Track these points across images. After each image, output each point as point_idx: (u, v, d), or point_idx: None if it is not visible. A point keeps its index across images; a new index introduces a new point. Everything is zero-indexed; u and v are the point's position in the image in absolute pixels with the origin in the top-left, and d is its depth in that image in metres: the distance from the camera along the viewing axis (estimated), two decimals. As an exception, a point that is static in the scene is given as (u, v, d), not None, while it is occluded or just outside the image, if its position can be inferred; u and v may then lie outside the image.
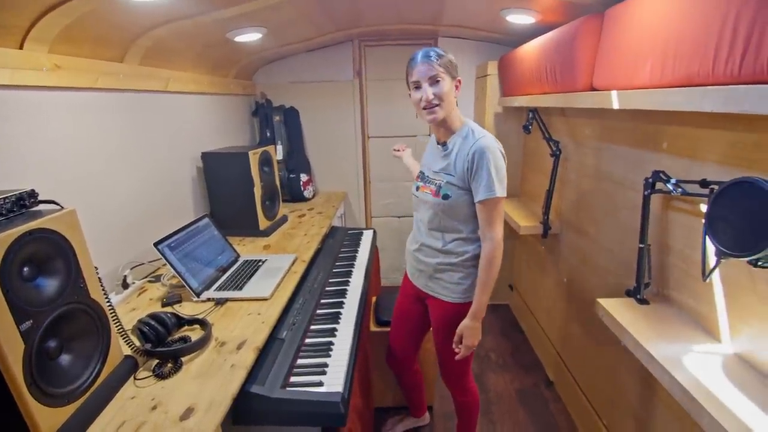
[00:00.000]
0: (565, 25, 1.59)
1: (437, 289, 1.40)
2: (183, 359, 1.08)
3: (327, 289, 1.63)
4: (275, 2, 1.64)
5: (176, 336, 1.20)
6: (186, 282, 1.40)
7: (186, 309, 1.36)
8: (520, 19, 1.95)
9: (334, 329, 1.34)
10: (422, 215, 1.39)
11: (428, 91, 1.23)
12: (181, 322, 1.24)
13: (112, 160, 1.53)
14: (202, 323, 1.24)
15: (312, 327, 1.36)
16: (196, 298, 1.40)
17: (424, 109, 1.26)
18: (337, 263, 1.88)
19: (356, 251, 2.01)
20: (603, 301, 1.32)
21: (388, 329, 1.89)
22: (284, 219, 2.31)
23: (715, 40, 0.91)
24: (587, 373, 1.87)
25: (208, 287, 1.46)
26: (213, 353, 1.11)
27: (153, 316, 1.17)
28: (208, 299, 1.40)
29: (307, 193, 2.83)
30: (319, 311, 1.46)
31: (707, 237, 0.90)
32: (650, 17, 1.15)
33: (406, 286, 1.58)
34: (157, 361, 1.07)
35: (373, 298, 2.11)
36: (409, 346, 1.65)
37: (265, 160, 2.11)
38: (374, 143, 3.09)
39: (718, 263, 0.90)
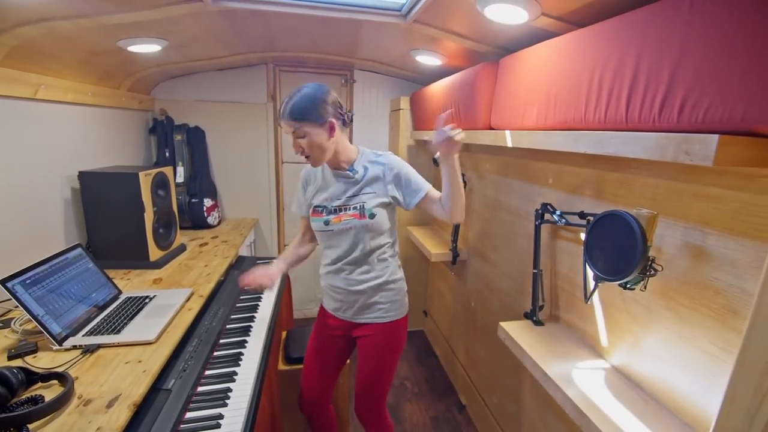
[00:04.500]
0: (468, 69, 1.74)
1: (371, 314, 1.39)
2: (30, 426, 0.86)
3: (228, 326, 1.47)
4: (175, 15, 1.53)
5: (24, 396, 0.96)
6: (44, 327, 1.15)
7: (42, 361, 1.11)
8: (428, 60, 2.09)
9: (234, 373, 1.20)
10: (342, 247, 1.35)
11: (297, 145, 1.26)
12: (31, 378, 1.00)
13: (-52, 177, 1.23)
14: (62, 378, 1.01)
15: (207, 372, 1.20)
16: (57, 347, 1.15)
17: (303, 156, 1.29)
18: (242, 296, 1.72)
19: (265, 282, 1.87)
20: (504, 324, 1.40)
21: (299, 367, 1.76)
22: (182, 248, 2.07)
23: (585, 91, 1.06)
24: (495, 395, 1.95)
25: (75, 332, 1.22)
26: (73, 415, 0.91)
27: (-10, 373, 0.92)
28: (74, 347, 1.16)
29: (211, 220, 2.61)
30: (217, 353, 1.30)
31: (586, 263, 1.00)
32: (535, 69, 1.31)
33: (324, 320, 1.50)
34: (-9, 433, 0.84)
35: (283, 333, 1.97)
36: (326, 384, 1.55)
37: (161, 182, 1.90)
38: (288, 168, 3.00)
39: (596, 287, 1.00)
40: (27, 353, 1.14)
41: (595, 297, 1.22)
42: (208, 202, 2.59)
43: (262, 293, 1.77)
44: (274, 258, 2.20)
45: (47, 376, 1.02)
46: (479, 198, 2.10)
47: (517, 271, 1.71)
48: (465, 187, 2.15)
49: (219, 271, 1.81)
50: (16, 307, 1.36)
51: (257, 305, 1.65)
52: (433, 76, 2.51)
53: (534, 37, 1.40)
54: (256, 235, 2.97)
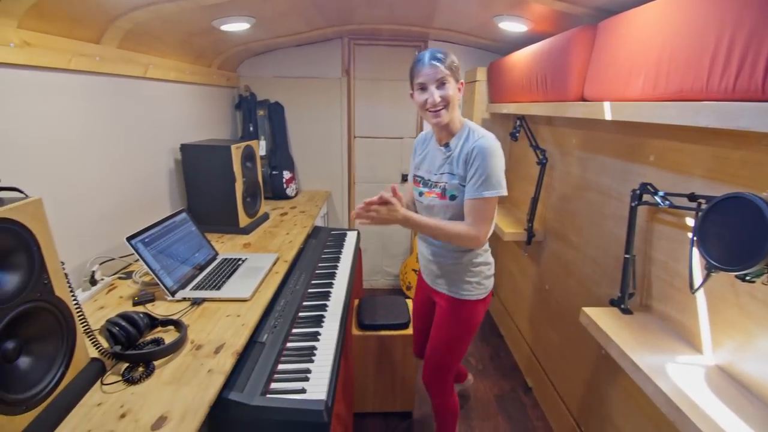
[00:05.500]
0: (558, 35, 1.60)
1: (445, 286, 1.45)
2: (155, 363, 1.01)
3: (309, 291, 1.58)
4: (267, -8, 1.59)
5: (148, 338, 1.12)
6: (160, 280, 1.32)
7: (159, 309, 1.28)
8: (513, 26, 1.96)
9: (317, 333, 1.29)
10: None
11: (435, 95, 1.23)
12: (154, 322, 1.17)
13: (84, 147, 1.43)
14: (177, 324, 1.17)
15: (294, 330, 1.30)
16: (170, 298, 1.32)
17: (429, 111, 1.26)
18: (320, 264, 1.83)
19: (340, 252, 1.96)
20: (588, 310, 1.33)
21: (371, 333, 1.85)
22: (266, 217, 2.23)
23: (709, 56, 0.93)
24: (566, 380, 1.89)
25: (183, 286, 1.39)
26: (188, 357, 1.05)
27: (123, 315, 1.09)
28: (184, 299, 1.33)
29: (289, 191, 2.76)
30: (301, 314, 1.41)
31: (697, 250, 0.91)
32: (644, 31, 1.17)
33: (420, 283, 1.66)
34: (127, 364, 1.00)
35: (356, 301, 2.07)
36: (426, 335, 1.66)
37: (248, 155, 2.04)
38: (360, 143, 3.05)
39: (708, 277, 0.91)
40: (147, 301, 1.32)
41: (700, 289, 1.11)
42: (286, 175, 2.74)
43: (338, 262, 1.86)
44: (347, 230, 2.29)
45: (165, 322, 1.19)
46: (561, 176, 1.97)
47: (603, 255, 1.60)
48: (546, 164, 2.04)
49: (299, 240, 1.92)
50: (136, 261, 1.58)
51: (334, 273, 1.74)
52: (514, 44, 2.36)
53: (643, -6, 1.25)
54: (328, 207, 3.10)
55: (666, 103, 1.04)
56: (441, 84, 1.22)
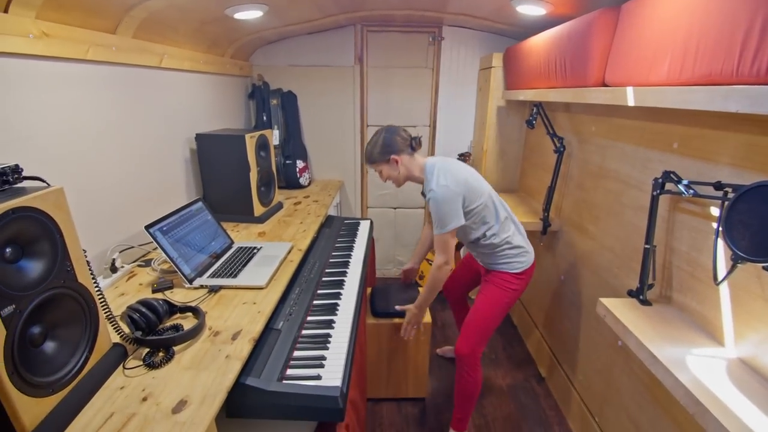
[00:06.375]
0: (579, 17, 1.55)
1: (494, 264, 1.71)
2: (175, 348, 1.04)
3: (324, 279, 1.59)
4: (279, -22, 1.57)
5: (167, 324, 1.15)
6: (178, 268, 1.35)
7: (177, 296, 1.31)
8: (531, 9, 1.90)
9: (332, 321, 1.30)
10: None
11: (381, 179, 1.72)
12: (172, 309, 1.19)
13: (102, 137, 1.45)
14: (195, 311, 1.19)
15: (309, 318, 1.32)
16: (188, 285, 1.35)
17: None
18: (333, 253, 1.84)
19: (353, 241, 1.97)
20: (605, 301, 1.31)
21: (384, 321, 1.87)
22: (279, 206, 2.25)
23: (741, 37, 0.88)
24: (580, 371, 1.88)
25: (200, 274, 1.41)
26: (207, 343, 1.07)
27: (144, 302, 1.12)
28: (201, 286, 1.35)
29: (302, 181, 2.77)
30: (315, 302, 1.42)
31: (723, 241, 0.88)
32: (671, 12, 1.11)
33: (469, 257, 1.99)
34: (148, 350, 1.02)
35: (368, 290, 2.08)
36: (460, 285, 2.09)
37: (262, 145, 2.04)
38: (373, 132, 3.02)
39: (733, 268, 0.88)
40: (165, 288, 1.35)
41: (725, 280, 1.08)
42: (300, 164, 2.75)
43: (351, 251, 1.86)
44: (360, 219, 2.30)
45: (184, 309, 1.21)
46: (579, 164, 1.92)
47: (621, 245, 1.57)
48: (564, 152, 2.00)
49: (313, 228, 1.93)
50: (154, 249, 1.61)
51: (348, 261, 1.74)
52: (531, 28, 2.29)
53: (671, -27, 1.19)
54: (341, 196, 3.10)
55: (693, 87, 1.00)
56: (378, 173, 1.69)
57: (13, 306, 0.73)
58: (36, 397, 0.77)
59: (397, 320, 1.88)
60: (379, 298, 1.98)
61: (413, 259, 2.11)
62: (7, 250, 0.75)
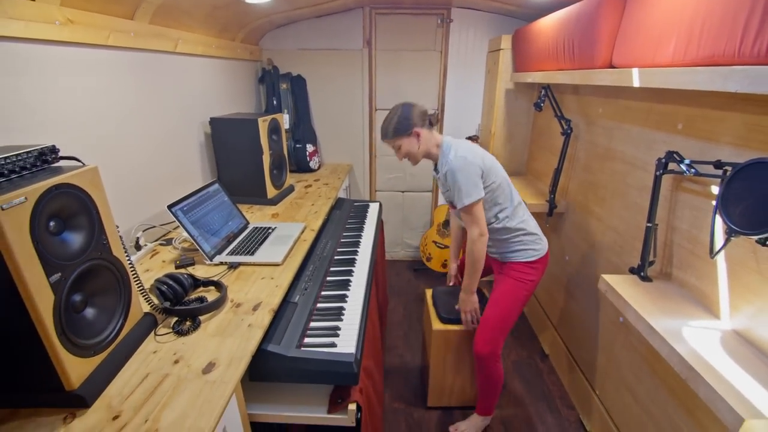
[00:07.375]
0: (587, -2, 1.56)
1: (497, 255, 1.69)
2: (201, 318, 1.12)
3: (336, 257, 1.66)
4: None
5: (192, 296, 1.23)
6: (199, 245, 1.42)
7: (199, 272, 1.38)
8: (540, -10, 1.90)
9: (345, 295, 1.37)
10: None
11: (398, 156, 1.61)
12: (197, 283, 1.27)
13: (124, 121, 1.51)
14: (218, 285, 1.27)
15: (323, 293, 1.39)
16: (208, 262, 1.42)
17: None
18: (344, 234, 1.90)
19: (363, 222, 2.03)
20: (607, 277, 1.36)
21: (451, 327, 1.80)
22: (291, 188, 2.31)
23: (744, 17, 0.90)
24: (582, 348, 1.94)
25: (220, 251, 1.48)
26: (229, 313, 1.15)
27: (170, 276, 1.19)
28: (221, 263, 1.43)
29: (312, 164, 2.82)
30: (329, 278, 1.49)
31: (718, 215, 0.92)
32: (678, -7, 1.13)
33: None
34: (176, 319, 1.10)
35: (429, 291, 1.99)
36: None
37: (274, 128, 2.09)
38: (382, 116, 3.05)
39: (727, 241, 0.92)
40: (188, 265, 1.43)
41: (721, 255, 1.12)
42: (310, 148, 2.80)
43: (362, 231, 1.92)
44: (369, 201, 2.35)
45: (207, 283, 1.29)
46: (586, 146, 1.95)
47: (625, 225, 1.61)
48: (571, 134, 2.02)
49: (324, 210, 1.99)
50: (174, 228, 1.69)
51: (359, 241, 1.81)
52: (541, 10, 2.28)
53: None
54: (350, 180, 3.16)
55: (696, 68, 1.02)
56: (395, 149, 1.58)
57: (59, 274, 0.81)
58: (81, 357, 0.85)
59: (459, 327, 1.77)
60: (444, 302, 1.86)
61: (452, 258, 2.00)
62: (51, 223, 0.82)
